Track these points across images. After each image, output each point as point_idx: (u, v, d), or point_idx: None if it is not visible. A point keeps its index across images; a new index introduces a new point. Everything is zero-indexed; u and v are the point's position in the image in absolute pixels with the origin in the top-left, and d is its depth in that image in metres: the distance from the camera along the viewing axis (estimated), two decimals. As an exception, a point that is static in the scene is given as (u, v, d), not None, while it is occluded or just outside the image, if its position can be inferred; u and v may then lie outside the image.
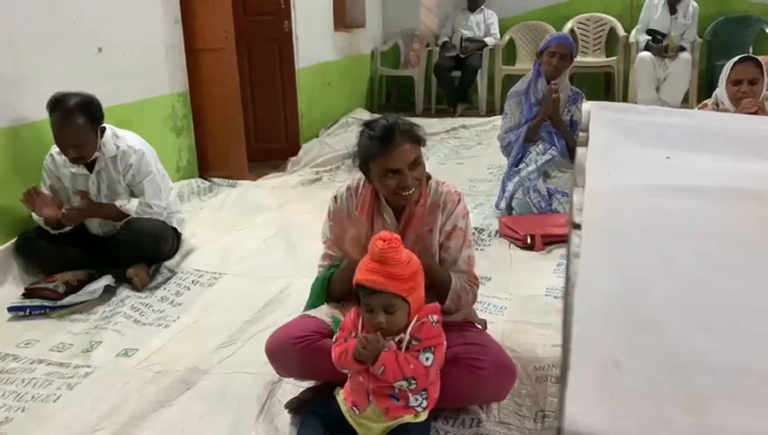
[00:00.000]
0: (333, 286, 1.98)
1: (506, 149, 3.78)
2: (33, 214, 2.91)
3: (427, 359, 1.64)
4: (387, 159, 1.84)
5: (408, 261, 1.63)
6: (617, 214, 0.64)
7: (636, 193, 0.69)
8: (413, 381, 1.64)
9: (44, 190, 2.93)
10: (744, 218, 0.66)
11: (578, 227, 0.59)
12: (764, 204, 0.71)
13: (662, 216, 0.65)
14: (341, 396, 1.77)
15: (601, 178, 0.69)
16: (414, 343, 1.64)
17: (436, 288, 1.86)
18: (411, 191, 1.89)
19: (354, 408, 1.71)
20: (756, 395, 0.43)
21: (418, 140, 1.89)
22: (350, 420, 1.74)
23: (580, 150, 0.78)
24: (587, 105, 0.97)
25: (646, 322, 0.49)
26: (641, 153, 0.82)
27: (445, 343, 1.69)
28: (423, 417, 1.72)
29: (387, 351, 1.61)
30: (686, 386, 0.43)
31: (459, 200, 1.98)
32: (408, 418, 1.69)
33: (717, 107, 3.04)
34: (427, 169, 2.02)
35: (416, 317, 1.66)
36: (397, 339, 1.65)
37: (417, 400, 1.68)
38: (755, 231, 0.64)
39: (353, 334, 1.71)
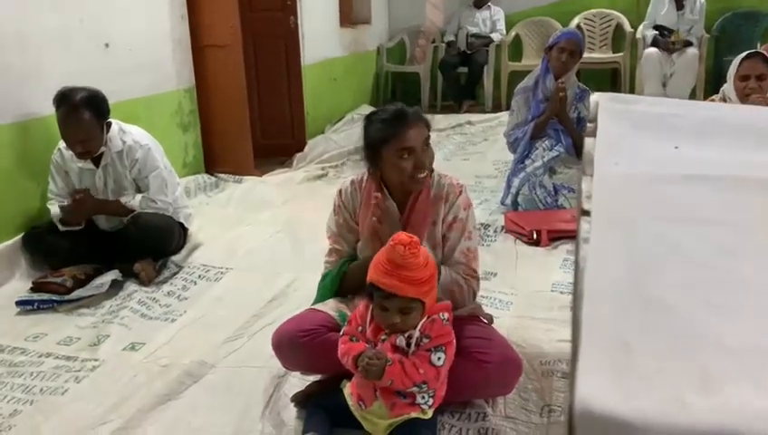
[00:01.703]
0: (349, 280, 1.98)
1: (513, 145, 3.77)
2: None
3: (439, 359, 1.63)
4: (401, 139, 1.86)
5: (426, 263, 1.60)
6: (626, 201, 0.64)
7: (644, 181, 0.69)
8: (423, 386, 1.64)
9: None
10: (754, 207, 0.66)
11: (587, 213, 0.59)
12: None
13: (671, 203, 0.65)
14: (348, 390, 1.77)
15: (610, 167, 0.69)
16: (424, 340, 1.64)
17: None
18: (426, 173, 1.91)
19: (361, 403, 1.71)
20: (766, 374, 0.43)
21: (427, 123, 1.94)
22: (356, 414, 1.74)
23: (588, 141, 0.78)
24: (595, 96, 0.97)
25: (657, 304, 0.49)
26: (650, 143, 0.82)
27: (454, 341, 1.69)
28: (429, 414, 1.71)
29: (391, 365, 1.59)
30: (700, 366, 0.43)
31: (461, 192, 1.99)
32: (414, 414, 1.69)
33: (725, 102, 3.02)
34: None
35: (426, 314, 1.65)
36: (407, 335, 1.64)
37: (423, 398, 1.68)
38: (764, 218, 0.63)
39: (360, 329, 1.71)
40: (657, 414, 0.39)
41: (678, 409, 0.39)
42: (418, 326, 1.64)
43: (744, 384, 0.41)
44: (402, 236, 1.60)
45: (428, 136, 1.93)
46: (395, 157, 1.88)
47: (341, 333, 1.74)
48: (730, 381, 0.41)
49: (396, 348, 1.65)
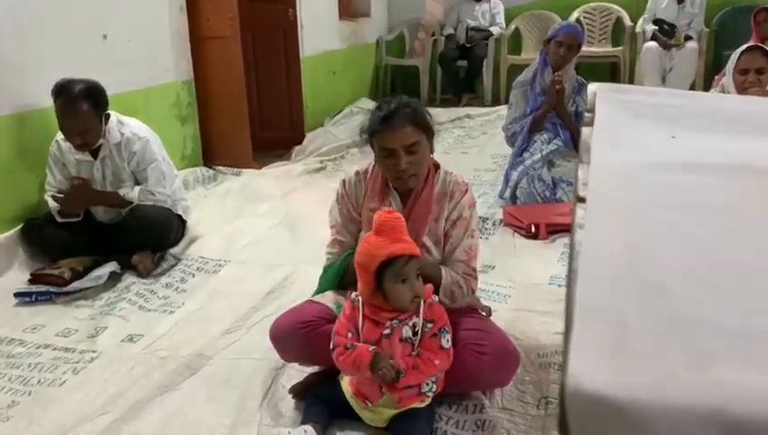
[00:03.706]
0: (351, 273, 1.97)
1: (511, 139, 3.77)
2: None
3: (447, 341, 1.67)
4: (383, 138, 1.87)
5: None
6: (622, 187, 0.64)
7: (641, 168, 0.69)
8: (439, 373, 1.69)
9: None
10: (751, 193, 0.66)
11: (583, 200, 0.59)
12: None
13: (667, 189, 0.65)
14: (346, 383, 1.78)
15: (607, 155, 0.69)
16: (428, 326, 1.66)
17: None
18: (408, 176, 1.89)
19: (366, 401, 1.72)
20: (761, 353, 0.43)
21: (422, 127, 1.89)
22: (355, 407, 1.75)
23: (585, 130, 0.78)
24: (593, 86, 0.97)
25: (654, 286, 0.49)
26: (647, 133, 0.82)
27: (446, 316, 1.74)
28: (428, 401, 1.73)
29: (404, 376, 1.62)
30: (693, 345, 0.43)
31: (467, 190, 1.99)
32: (414, 403, 1.70)
33: (724, 96, 3.02)
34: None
35: (422, 300, 1.67)
36: (411, 324, 1.66)
37: (428, 385, 1.70)
38: (762, 204, 0.63)
39: (350, 334, 1.70)
40: (651, 393, 0.39)
41: (672, 388, 0.39)
42: (421, 314, 1.66)
43: (739, 364, 0.41)
44: (378, 213, 1.67)
45: (418, 141, 1.86)
46: (378, 153, 1.91)
47: (332, 346, 1.71)
48: (725, 360, 0.41)
49: (402, 340, 1.66)
